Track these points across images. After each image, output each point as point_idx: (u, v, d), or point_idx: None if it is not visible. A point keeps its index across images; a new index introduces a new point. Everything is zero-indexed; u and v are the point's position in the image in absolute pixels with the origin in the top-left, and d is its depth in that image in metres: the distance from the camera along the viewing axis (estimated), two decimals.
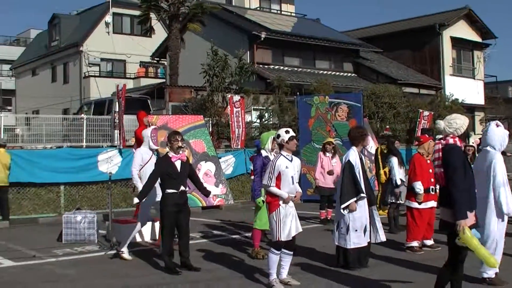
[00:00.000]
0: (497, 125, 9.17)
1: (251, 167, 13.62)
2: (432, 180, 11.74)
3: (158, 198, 11.07)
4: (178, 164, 10.39)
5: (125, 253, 11.52)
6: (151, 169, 11.12)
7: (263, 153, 11.46)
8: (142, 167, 11.88)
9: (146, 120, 14.11)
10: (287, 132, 9.24)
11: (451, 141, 7.48)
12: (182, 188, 10.42)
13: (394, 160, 14.38)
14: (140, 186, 11.55)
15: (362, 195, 10.11)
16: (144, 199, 10.86)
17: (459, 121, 7.58)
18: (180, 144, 10.43)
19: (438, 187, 8.17)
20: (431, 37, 42.82)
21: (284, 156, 9.14)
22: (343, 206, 10.08)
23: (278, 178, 9.02)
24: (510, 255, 10.82)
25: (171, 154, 10.44)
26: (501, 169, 8.98)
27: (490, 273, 9.12)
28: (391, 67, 41.63)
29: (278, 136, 9.26)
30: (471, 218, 7.16)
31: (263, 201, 10.87)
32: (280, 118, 27.27)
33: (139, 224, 11.69)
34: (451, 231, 7.22)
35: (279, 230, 8.96)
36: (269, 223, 9.29)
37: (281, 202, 9.00)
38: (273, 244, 9.13)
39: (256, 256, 11.40)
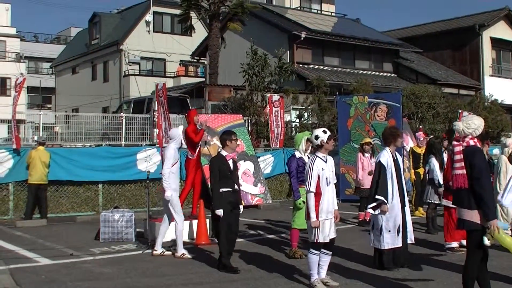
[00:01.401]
0: None
1: None
2: None
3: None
4: (230, 163, 10.50)
5: (160, 250, 11.64)
6: (177, 167, 11.64)
7: (297, 154, 11.37)
8: (173, 165, 11.71)
9: (196, 119, 14.04)
10: (324, 132, 9.12)
11: (471, 142, 7.50)
12: (235, 186, 10.48)
13: (435, 161, 14.15)
14: (167, 186, 11.49)
15: (378, 197, 9.93)
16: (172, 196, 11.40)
17: (477, 122, 7.59)
18: (239, 143, 10.47)
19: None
20: (471, 38, 42.56)
21: (319, 157, 9.02)
22: (370, 206, 10.04)
23: (318, 181, 8.89)
24: None
25: (224, 153, 10.53)
26: None
27: None
28: (430, 67, 41.29)
29: (317, 137, 9.08)
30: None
31: (303, 201, 10.77)
32: (319, 118, 27.13)
33: (166, 222, 11.74)
34: (472, 230, 7.36)
35: (317, 233, 8.86)
36: (308, 226, 9.15)
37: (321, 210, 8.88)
38: (312, 245, 9.03)
39: (294, 256, 11.34)
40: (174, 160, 11.64)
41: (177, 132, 12.06)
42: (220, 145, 17.48)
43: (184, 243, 12.18)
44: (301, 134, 11.64)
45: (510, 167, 12.80)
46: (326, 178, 8.96)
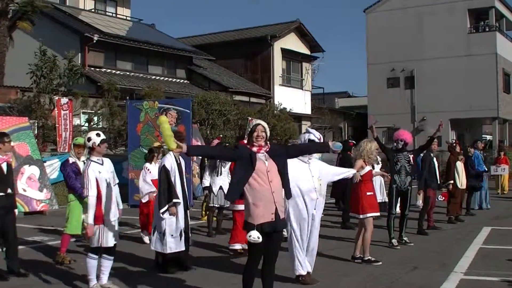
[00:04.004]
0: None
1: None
2: None
3: None
4: (4, 166, 10.09)
5: None
6: None
7: (71, 159, 11.36)
8: None
9: None
10: (98, 135, 9.01)
11: None
12: (8, 190, 10.09)
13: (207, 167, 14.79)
14: None
15: (176, 200, 10.17)
16: None
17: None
18: (12, 144, 10.21)
19: None
20: (263, 48, 44.27)
21: (94, 161, 8.89)
22: (162, 210, 10.12)
23: (97, 185, 8.78)
24: (327, 256, 11.64)
25: None
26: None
27: (302, 272, 9.51)
28: (223, 75, 42.28)
29: (89, 139, 8.95)
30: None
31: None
32: (109, 122, 26.88)
33: None
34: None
35: (102, 237, 8.80)
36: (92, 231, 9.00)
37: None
38: (91, 249, 8.94)
39: (63, 262, 11.19)
40: None
41: None
42: None
43: None
44: (73, 140, 11.69)
45: None
46: (106, 180, 8.90)
